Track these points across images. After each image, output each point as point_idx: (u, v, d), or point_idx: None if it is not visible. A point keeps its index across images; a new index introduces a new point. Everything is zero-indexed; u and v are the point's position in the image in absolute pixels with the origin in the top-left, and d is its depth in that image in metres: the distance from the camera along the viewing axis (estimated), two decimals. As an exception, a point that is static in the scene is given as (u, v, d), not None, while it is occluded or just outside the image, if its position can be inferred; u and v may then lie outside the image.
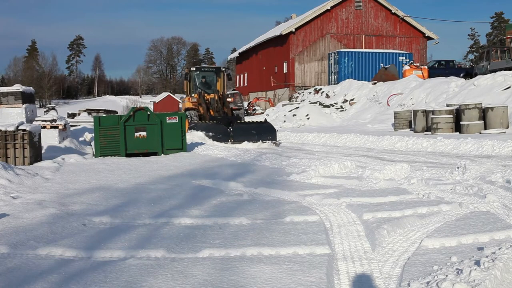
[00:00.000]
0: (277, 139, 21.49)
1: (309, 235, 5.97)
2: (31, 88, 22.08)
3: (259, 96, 52.86)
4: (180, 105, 76.41)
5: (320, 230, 6.21)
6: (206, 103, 23.52)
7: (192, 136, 19.73)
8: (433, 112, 21.36)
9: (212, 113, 23.09)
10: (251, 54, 58.52)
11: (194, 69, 25.23)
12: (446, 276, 4.29)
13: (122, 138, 15.44)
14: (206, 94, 24.11)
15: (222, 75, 25.07)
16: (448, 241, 5.55)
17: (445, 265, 4.63)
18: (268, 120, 23.88)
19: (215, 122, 21.38)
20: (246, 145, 19.81)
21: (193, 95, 24.42)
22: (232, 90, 56.88)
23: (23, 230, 6.35)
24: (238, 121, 21.73)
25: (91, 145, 19.03)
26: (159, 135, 15.75)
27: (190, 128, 20.60)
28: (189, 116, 22.64)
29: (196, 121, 22.23)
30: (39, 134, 14.14)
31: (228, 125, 20.81)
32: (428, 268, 4.71)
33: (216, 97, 23.86)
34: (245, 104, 44.97)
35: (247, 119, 27.86)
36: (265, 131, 20.62)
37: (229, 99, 25.12)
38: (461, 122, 20.46)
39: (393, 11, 50.23)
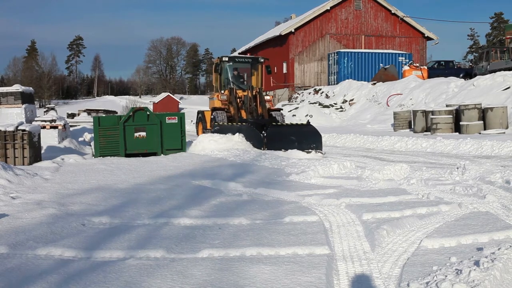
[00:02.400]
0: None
1: (309, 235, 5.96)
2: (31, 88, 22.10)
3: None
4: (181, 106, 75.91)
5: (319, 230, 6.21)
6: (237, 102, 19.23)
7: (230, 142, 16.09)
8: (432, 112, 21.37)
9: (244, 114, 18.97)
10: (251, 55, 58.54)
11: (226, 59, 20.42)
12: (446, 276, 4.29)
13: (121, 138, 15.46)
14: (240, 91, 19.76)
15: (260, 68, 20.65)
16: (447, 241, 5.55)
17: (445, 266, 4.63)
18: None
19: (244, 124, 17.43)
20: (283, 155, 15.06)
21: (222, 91, 19.93)
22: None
23: (22, 230, 6.34)
24: (274, 123, 17.27)
25: (90, 145, 19.05)
26: (159, 135, 15.76)
27: (214, 131, 17.01)
28: (214, 118, 18.99)
29: (222, 123, 18.09)
30: (39, 134, 14.15)
31: (262, 128, 16.82)
32: (427, 268, 4.71)
33: (250, 95, 19.28)
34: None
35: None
36: (307, 137, 16.08)
37: (267, 97, 19.88)
38: (461, 123, 20.47)
39: (392, 12, 50.27)
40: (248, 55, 23.73)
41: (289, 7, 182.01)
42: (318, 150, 15.63)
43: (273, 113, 19.42)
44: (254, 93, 19.39)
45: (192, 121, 45.46)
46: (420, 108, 23.56)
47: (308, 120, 17.09)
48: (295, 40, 49.14)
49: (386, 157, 14.87)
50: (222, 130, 16.80)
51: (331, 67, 44.76)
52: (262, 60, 20.56)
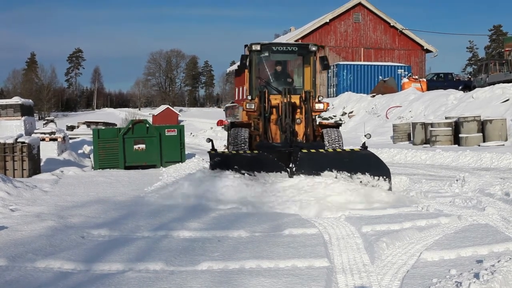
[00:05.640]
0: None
1: (308, 248, 5.96)
2: (30, 100, 22.19)
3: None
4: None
5: (319, 243, 6.20)
6: (265, 114, 12.02)
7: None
8: (432, 124, 21.39)
9: (275, 133, 12.12)
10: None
11: (258, 47, 12.80)
12: (445, 289, 4.28)
13: (121, 151, 15.48)
14: (276, 97, 12.25)
15: (311, 60, 12.94)
16: (447, 253, 5.55)
17: (444, 278, 4.62)
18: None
19: (254, 152, 10.57)
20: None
21: (250, 98, 12.70)
22: (231, 103, 56.61)
23: (21, 243, 6.34)
24: (305, 151, 9.93)
25: (90, 158, 19.04)
26: (158, 148, 15.77)
27: (212, 165, 10.28)
28: (232, 139, 11.99)
29: (235, 149, 11.40)
30: (38, 147, 14.16)
31: (289, 158, 10.01)
32: (427, 281, 4.70)
33: (286, 101, 11.69)
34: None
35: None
36: (365, 170, 9.59)
37: (319, 106, 12.50)
38: (460, 135, 20.48)
39: (391, 24, 50.44)
40: (293, 42, 13.84)
41: (289, 20, 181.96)
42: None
43: (325, 132, 12.23)
44: (292, 102, 12.01)
45: (191, 133, 45.46)
46: (419, 121, 23.58)
47: (364, 143, 10.32)
48: (295, 52, 49.18)
49: (385, 169, 14.84)
50: (222, 163, 10.18)
51: (330, 79, 44.82)
52: (314, 49, 12.90)
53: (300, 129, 12.25)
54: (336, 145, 11.86)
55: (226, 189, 9.25)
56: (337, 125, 12.77)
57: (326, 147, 11.31)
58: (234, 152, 10.73)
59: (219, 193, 9.20)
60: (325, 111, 12.98)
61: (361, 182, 9.36)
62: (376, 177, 9.49)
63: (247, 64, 12.99)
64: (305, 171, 9.63)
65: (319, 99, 12.61)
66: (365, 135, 12.10)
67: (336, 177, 9.37)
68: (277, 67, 13.45)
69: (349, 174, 9.43)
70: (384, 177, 9.53)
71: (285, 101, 11.72)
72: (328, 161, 9.70)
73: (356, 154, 10.00)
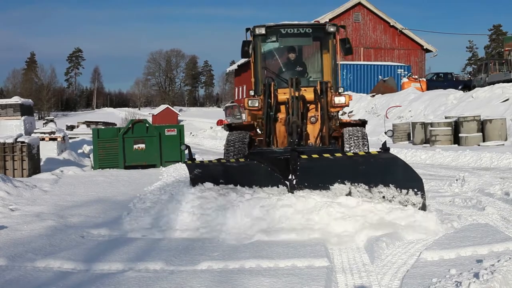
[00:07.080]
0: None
1: (308, 247, 5.95)
2: (30, 100, 22.20)
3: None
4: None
5: (318, 242, 6.19)
6: (269, 112, 9.62)
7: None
8: (431, 124, 21.37)
9: (284, 136, 9.68)
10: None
11: (262, 31, 10.36)
12: (445, 288, 4.28)
13: (120, 151, 15.48)
14: (284, 91, 9.74)
15: (330, 44, 10.57)
16: (447, 253, 5.54)
17: (444, 278, 4.62)
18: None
19: (241, 161, 7.84)
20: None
21: (252, 93, 10.34)
22: (231, 103, 56.52)
23: (21, 243, 6.34)
24: (307, 156, 7.31)
25: (89, 157, 19.05)
26: (158, 148, 15.77)
27: (193, 179, 8.24)
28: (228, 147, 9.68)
29: (226, 157, 9.19)
30: (38, 146, 14.15)
31: (286, 165, 7.48)
32: (427, 280, 4.70)
33: (294, 94, 9.29)
34: (243, 116, 44.77)
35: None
36: (388, 181, 7.13)
37: (339, 100, 10.25)
38: (460, 134, 20.47)
39: (391, 24, 50.42)
40: (306, 22, 10.50)
41: (288, 19, 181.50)
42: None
43: (345, 132, 9.92)
44: (313, 93, 9.99)
45: (191, 133, 45.36)
46: (419, 120, 23.57)
47: (384, 143, 7.13)
48: (294, 52, 49.12)
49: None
50: (204, 176, 8.10)
51: (330, 79, 44.76)
52: (332, 30, 10.38)
53: (315, 129, 9.91)
54: (361, 147, 9.41)
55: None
56: (362, 123, 10.18)
57: (345, 152, 8.54)
58: (216, 161, 8.06)
59: None
60: (347, 105, 10.43)
61: (383, 197, 7.10)
62: (404, 190, 7.08)
63: (250, 52, 10.41)
64: (308, 184, 7.40)
65: (340, 91, 10.37)
66: (385, 133, 9.45)
67: (350, 192, 7.19)
68: (289, 54, 10.95)
69: (367, 187, 7.15)
70: (415, 189, 7.07)
71: (292, 94, 9.31)
72: (339, 170, 7.30)
73: (375, 159, 7.14)
